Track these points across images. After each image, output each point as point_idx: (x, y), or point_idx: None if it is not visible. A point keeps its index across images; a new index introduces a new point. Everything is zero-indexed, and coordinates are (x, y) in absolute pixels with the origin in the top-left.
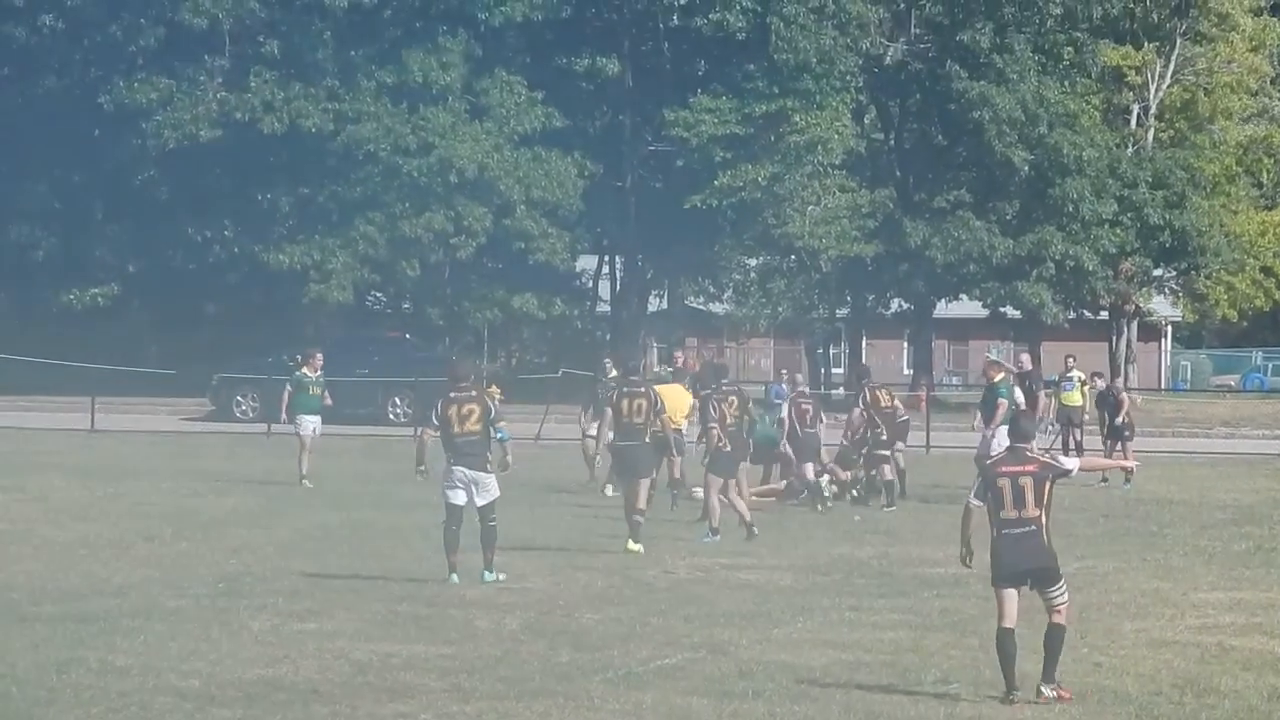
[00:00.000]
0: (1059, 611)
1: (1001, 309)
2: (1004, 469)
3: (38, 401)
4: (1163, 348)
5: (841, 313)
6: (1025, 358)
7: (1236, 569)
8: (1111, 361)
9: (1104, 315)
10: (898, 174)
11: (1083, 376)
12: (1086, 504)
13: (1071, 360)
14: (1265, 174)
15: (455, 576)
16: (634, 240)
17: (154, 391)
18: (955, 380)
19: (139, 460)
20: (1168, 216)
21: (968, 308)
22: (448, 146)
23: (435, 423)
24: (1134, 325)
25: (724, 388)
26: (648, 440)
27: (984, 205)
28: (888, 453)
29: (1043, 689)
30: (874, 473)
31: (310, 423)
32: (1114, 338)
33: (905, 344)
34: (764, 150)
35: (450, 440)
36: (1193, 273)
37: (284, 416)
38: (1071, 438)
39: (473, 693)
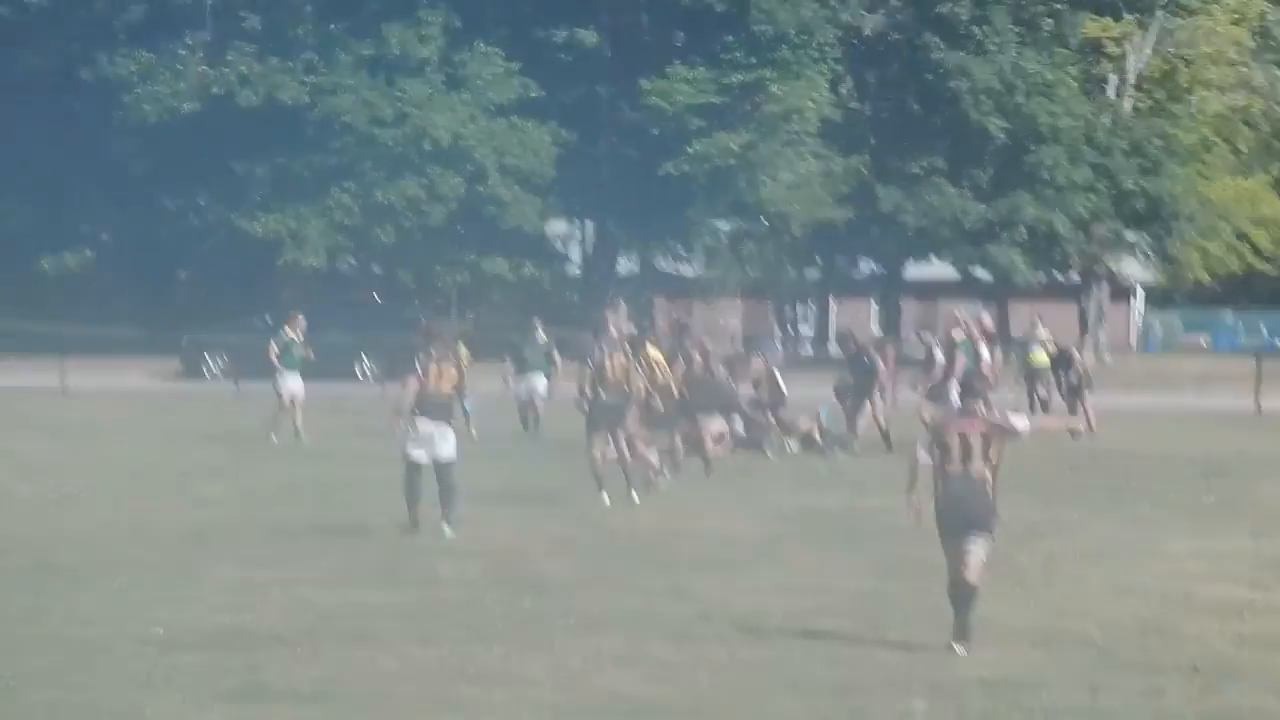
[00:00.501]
0: (970, 567)
1: (972, 271)
2: (955, 425)
3: (9, 362)
4: (1133, 308)
5: (811, 274)
6: (986, 318)
7: (1203, 520)
8: (1082, 322)
9: (1075, 277)
10: (872, 141)
11: (1049, 336)
12: (1054, 455)
13: (1038, 320)
14: (1243, 142)
15: (417, 529)
16: (606, 205)
17: (125, 352)
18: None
19: (109, 418)
20: (1142, 183)
21: (938, 269)
22: (423, 116)
23: (420, 375)
24: (1104, 287)
25: (686, 346)
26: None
27: (958, 171)
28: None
29: (954, 646)
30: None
31: (291, 381)
32: (1084, 299)
33: (874, 304)
34: (739, 119)
35: (424, 396)
36: (1166, 237)
37: (279, 372)
38: (1036, 397)
39: (435, 638)
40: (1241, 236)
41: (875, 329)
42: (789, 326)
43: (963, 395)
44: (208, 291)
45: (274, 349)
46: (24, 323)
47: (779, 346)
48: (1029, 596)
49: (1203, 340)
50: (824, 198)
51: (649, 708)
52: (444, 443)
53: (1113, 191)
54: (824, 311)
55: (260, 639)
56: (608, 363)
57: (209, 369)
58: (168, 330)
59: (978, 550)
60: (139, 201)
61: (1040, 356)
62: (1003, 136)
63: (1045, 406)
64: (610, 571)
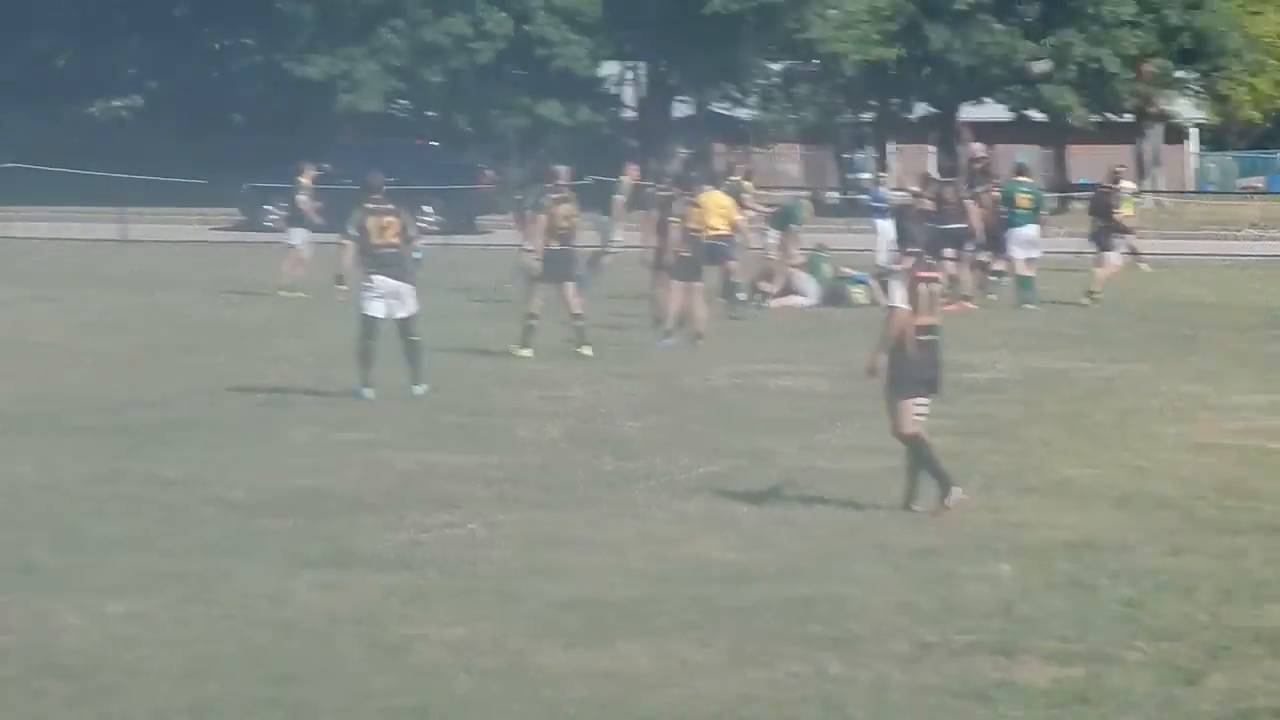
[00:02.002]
0: (919, 421)
1: (1026, 113)
2: (922, 274)
3: (66, 212)
4: (1187, 151)
5: (866, 117)
6: (977, 146)
7: (1272, 371)
8: (1139, 164)
9: (1128, 118)
10: None
11: (1133, 188)
12: (1120, 308)
13: (1120, 170)
14: None
15: (369, 391)
16: (657, 46)
17: (183, 201)
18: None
19: (171, 270)
20: (1187, 17)
21: (993, 111)
22: None
23: (353, 233)
24: (1159, 129)
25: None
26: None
27: (1005, 8)
28: None
29: (949, 499)
30: None
31: (304, 234)
32: (1139, 142)
33: (931, 149)
34: None
35: (370, 251)
36: (1214, 74)
37: (318, 222)
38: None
39: (518, 501)
40: None
41: (934, 172)
42: (848, 173)
43: (910, 241)
44: (263, 136)
45: (305, 202)
46: (77, 170)
47: (885, 193)
48: (1107, 456)
49: (1258, 182)
50: (873, 35)
51: (738, 574)
52: (404, 303)
53: (1159, 26)
54: (882, 156)
55: (343, 503)
56: (556, 210)
57: (269, 218)
58: (223, 176)
59: (926, 408)
60: (183, 43)
61: (1125, 208)
62: None
63: (1136, 256)
64: (689, 433)
